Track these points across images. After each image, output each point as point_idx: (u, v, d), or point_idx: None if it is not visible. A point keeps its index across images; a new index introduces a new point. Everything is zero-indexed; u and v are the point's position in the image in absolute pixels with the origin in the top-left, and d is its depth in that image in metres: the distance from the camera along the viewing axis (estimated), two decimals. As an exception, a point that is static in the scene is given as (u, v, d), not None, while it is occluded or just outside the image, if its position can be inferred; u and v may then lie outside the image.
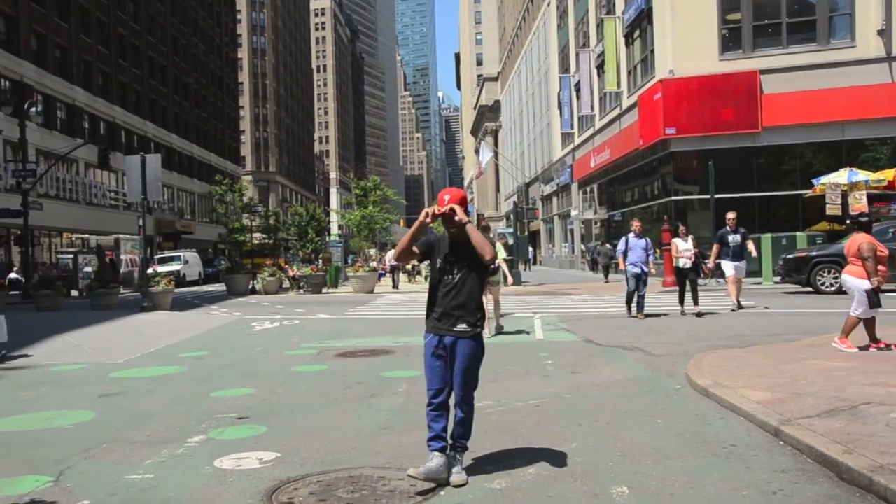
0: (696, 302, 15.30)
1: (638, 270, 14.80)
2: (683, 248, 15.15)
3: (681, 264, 15.25)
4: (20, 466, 5.70)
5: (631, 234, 15.08)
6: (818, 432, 5.40)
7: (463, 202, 4.94)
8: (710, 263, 16.15)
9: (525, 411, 7.03)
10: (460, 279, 4.94)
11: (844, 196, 21.96)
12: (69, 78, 46.96)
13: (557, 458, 5.45)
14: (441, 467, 4.86)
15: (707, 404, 7.09)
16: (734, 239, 15.82)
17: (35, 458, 5.96)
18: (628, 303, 15.35)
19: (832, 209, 22.10)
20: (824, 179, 22.98)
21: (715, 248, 16.03)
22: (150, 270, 22.16)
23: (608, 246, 33.27)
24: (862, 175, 22.28)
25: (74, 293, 31.95)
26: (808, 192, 24.49)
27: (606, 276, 31.66)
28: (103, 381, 9.69)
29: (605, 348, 11.28)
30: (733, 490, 4.63)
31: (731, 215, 15.99)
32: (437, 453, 4.91)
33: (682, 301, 15.51)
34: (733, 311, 15.64)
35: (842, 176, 22.39)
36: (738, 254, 15.86)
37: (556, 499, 4.57)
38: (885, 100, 25.85)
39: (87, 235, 46.22)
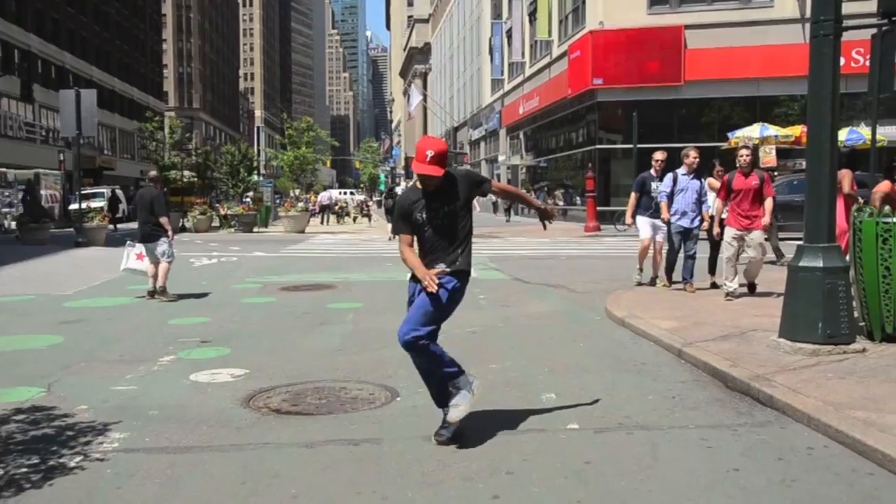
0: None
1: (687, 222, 10.34)
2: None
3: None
4: (8, 380, 6.26)
5: (681, 171, 10.45)
6: (712, 352, 6.42)
7: (443, 160, 4.49)
8: (627, 219, 11.63)
9: (464, 337, 7.88)
10: (451, 220, 4.64)
11: (756, 150, 23.34)
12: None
13: (496, 373, 6.33)
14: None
15: (623, 332, 8.08)
16: (657, 187, 10.84)
17: (19, 373, 6.52)
18: (669, 271, 10.77)
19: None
20: (738, 133, 24.30)
21: (632, 197, 11.23)
22: (80, 206, 22.01)
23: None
24: (772, 130, 23.66)
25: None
26: (724, 145, 25.85)
27: (508, 216, 38.12)
28: (59, 310, 10.12)
29: (532, 285, 12.23)
30: (641, 395, 5.59)
31: (659, 156, 11.16)
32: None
33: (712, 269, 10.95)
34: (640, 283, 11.30)
35: (754, 130, 23.72)
36: (658, 208, 10.76)
37: (497, 402, 5.43)
38: (797, 59, 27.09)
39: (2, 169, 44.83)
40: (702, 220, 10.39)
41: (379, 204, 49.78)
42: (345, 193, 64.72)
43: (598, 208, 27.03)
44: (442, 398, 4.68)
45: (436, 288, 4.43)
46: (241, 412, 5.32)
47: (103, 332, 8.49)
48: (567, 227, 28.91)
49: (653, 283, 11.20)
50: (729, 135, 25.21)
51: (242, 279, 13.50)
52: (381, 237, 26.03)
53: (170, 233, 10.86)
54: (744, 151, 9.60)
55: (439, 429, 4.63)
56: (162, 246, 10.84)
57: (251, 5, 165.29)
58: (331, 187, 77.49)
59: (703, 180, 10.62)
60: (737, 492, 3.82)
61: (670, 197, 10.49)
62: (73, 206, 32.83)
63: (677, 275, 10.71)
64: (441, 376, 4.65)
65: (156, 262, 10.93)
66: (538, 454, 4.38)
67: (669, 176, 10.57)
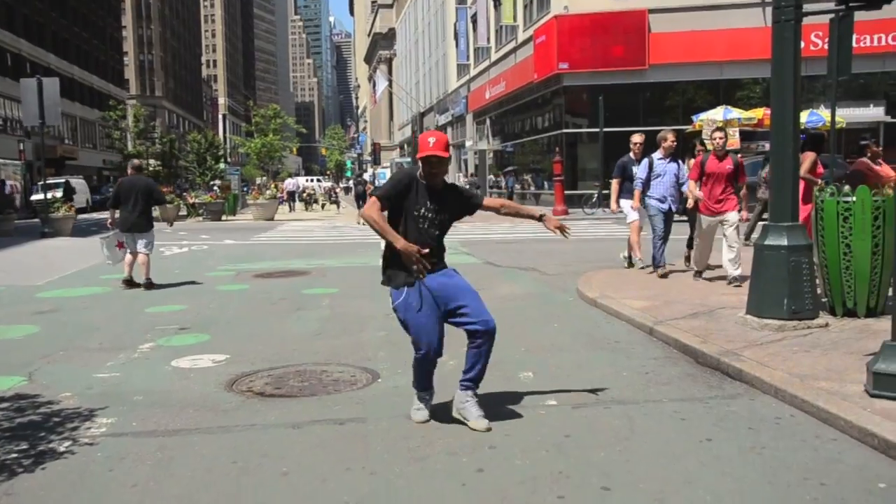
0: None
1: (666, 207, 10.10)
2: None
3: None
4: (-12, 370, 6.27)
5: (657, 155, 10.17)
6: (683, 329, 6.62)
7: (447, 146, 4.58)
8: (612, 205, 11.42)
9: (440, 319, 8.02)
10: (441, 229, 4.67)
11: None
12: None
13: (473, 353, 6.46)
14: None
15: (595, 312, 8.28)
16: (637, 171, 10.83)
17: (-1, 363, 6.53)
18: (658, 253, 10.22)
19: (710, 144, 23.84)
20: (703, 116, 24.63)
21: (615, 183, 11.27)
22: (46, 196, 21.76)
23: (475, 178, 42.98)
24: (736, 113, 24.04)
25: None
26: (689, 128, 26.20)
27: None
28: (31, 300, 10.07)
29: (503, 269, 12.40)
30: (615, 372, 5.77)
31: (637, 139, 11.23)
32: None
33: (690, 245, 10.77)
34: (632, 266, 11.16)
35: (718, 113, 24.07)
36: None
37: (475, 381, 5.57)
38: (759, 43, 27.39)
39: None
40: (683, 202, 10.08)
41: (346, 191, 49.69)
42: (312, 181, 64.38)
43: (566, 192, 27.30)
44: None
45: (425, 268, 4.42)
46: (226, 396, 5.41)
47: (79, 321, 8.48)
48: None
49: (630, 265, 11.13)
50: (693, 118, 25.55)
51: (215, 267, 13.49)
52: (349, 224, 26.05)
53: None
54: (717, 134, 9.34)
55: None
56: (150, 236, 10.86)
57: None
58: (297, 174, 77.12)
59: (680, 163, 10.30)
60: (710, 459, 4.01)
61: (646, 183, 10.20)
62: (37, 197, 32.47)
63: (657, 257, 10.21)
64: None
65: (133, 252, 10.89)
66: (519, 429, 4.54)
67: (645, 162, 10.28)
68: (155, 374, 6.05)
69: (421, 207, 4.52)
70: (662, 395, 5.16)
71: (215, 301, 9.71)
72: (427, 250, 4.46)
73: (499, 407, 4.97)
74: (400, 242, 4.38)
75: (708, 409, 4.83)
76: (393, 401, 5.17)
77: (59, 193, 34.63)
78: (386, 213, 4.56)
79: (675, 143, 10.27)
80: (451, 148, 4.40)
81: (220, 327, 7.93)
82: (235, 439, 4.49)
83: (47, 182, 41.55)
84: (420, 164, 4.59)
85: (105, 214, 11.81)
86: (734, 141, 23.24)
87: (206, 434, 4.60)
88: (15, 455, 4.26)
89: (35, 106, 18.93)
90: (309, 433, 4.56)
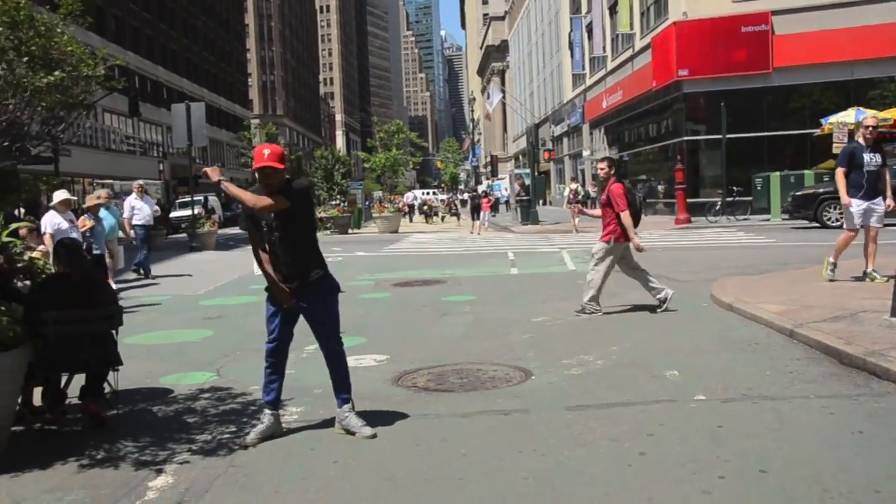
0: None
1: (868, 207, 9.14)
2: None
3: None
4: (181, 366, 7.10)
5: (858, 142, 8.96)
6: (825, 332, 6.74)
7: (281, 159, 4.80)
8: (843, 198, 9.47)
9: (580, 323, 8.42)
10: (281, 241, 4.97)
11: (851, 135, 22.96)
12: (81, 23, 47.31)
13: (617, 353, 6.82)
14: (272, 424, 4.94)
15: (731, 316, 8.44)
16: (871, 160, 9.23)
17: (188, 360, 7.37)
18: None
19: (839, 147, 23.13)
20: (832, 119, 23.90)
21: (840, 174, 9.46)
22: (193, 213, 23.43)
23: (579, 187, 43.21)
24: (869, 114, 23.23)
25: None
26: (817, 132, 25.44)
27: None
28: (197, 307, 11.06)
29: (633, 276, 12.59)
30: (759, 371, 6.00)
31: (870, 122, 9.62)
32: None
33: None
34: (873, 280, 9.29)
35: (849, 115, 23.29)
36: (874, 186, 9.31)
37: (623, 379, 5.94)
38: (894, 38, 26.53)
39: (108, 181, 47.44)
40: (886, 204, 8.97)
41: (463, 203, 50.56)
42: (428, 193, 65.77)
43: (688, 200, 26.99)
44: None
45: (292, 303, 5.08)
46: (395, 390, 5.98)
47: (245, 325, 9.30)
48: (657, 221, 28.98)
49: (863, 277, 9.56)
50: (822, 121, 24.80)
51: (354, 277, 14.27)
52: (471, 235, 26.67)
53: None
54: (601, 165, 9.27)
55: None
56: None
57: (329, 11, 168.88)
58: (413, 188, 78.93)
59: (879, 155, 9.06)
60: (863, 450, 4.23)
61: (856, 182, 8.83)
62: (175, 214, 34.88)
63: None
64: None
65: None
66: (673, 420, 4.88)
67: (845, 152, 8.96)
68: (325, 372, 6.64)
69: (264, 220, 4.88)
70: (809, 392, 5.36)
71: (362, 308, 10.41)
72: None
73: (650, 400, 5.31)
74: (276, 288, 5.14)
75: (857, 405, 5.01)
76: (550, 395, 5.59)
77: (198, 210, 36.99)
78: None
79: (877, 125, 9.07)
80: (286, 161, 4.76)
81: (372, 331, 8.56)
82: (413, 426, 5.03)
83: (185, 200, 44.49)
84: (257, 175, 4.84)
85: (231, 230, 12.73)
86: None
87: (386, 422, 5.15)
88: (227, 435, 4.95)
89: (184, 129, 20.50)
90: (477, 422, 5.05)
